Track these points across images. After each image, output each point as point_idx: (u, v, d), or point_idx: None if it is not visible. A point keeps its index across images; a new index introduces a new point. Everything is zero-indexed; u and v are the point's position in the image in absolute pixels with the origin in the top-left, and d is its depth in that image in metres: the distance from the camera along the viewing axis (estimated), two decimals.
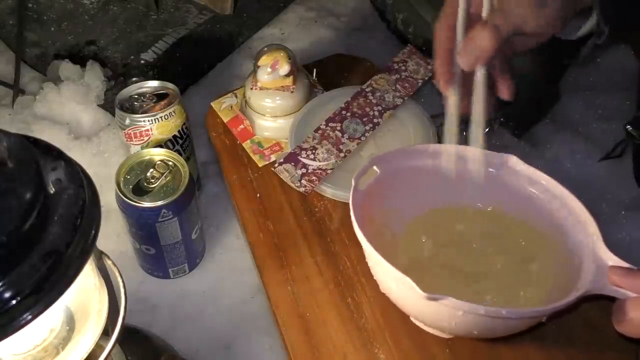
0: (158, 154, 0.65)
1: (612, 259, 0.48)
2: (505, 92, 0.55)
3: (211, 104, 0.78)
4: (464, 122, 0.55)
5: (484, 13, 0.51)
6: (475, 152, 0.58)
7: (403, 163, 0.58)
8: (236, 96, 0.78)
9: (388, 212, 0.57)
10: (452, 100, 0.54)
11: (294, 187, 0.67)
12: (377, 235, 0.50)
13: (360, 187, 0.55)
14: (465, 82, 0.54)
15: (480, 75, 0.52)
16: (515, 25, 0.50)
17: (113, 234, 0.74)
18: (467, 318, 0.46)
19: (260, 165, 0.71)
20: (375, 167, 0.56)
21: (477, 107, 0.53)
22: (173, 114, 0.67)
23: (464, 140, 0.56)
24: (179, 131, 0.69)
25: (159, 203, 0.62)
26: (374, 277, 0.54)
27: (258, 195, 0.68)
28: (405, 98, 0.73)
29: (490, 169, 0.58)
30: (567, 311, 0.48)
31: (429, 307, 0.47)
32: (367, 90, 0.74)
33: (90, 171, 0.39)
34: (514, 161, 0.57)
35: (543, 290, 0.53)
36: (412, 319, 0.56)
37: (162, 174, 0.63)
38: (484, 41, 0.49)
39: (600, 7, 0.50)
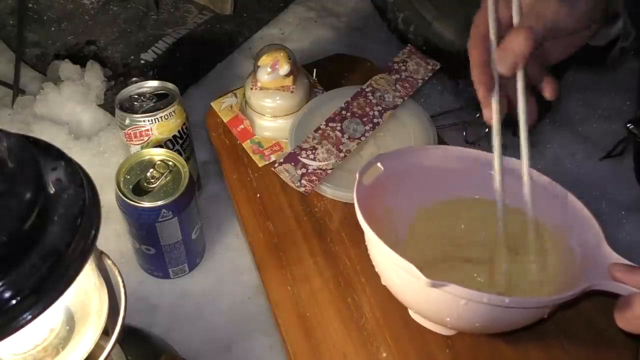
0: (158, 154, 0.65)
1: (614, 257, 0.49)
2: (549, 91, 0.54)
3: (211, 104, 0.78)
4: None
5: (515, 19, 0.51)
6: (477, 153, 0.58)
7: (406, 162, 0.58)
8: (236, 96, 0.78)
9: (390, 211, 0.57)
10: (494, 108, 0.54)
11: (294, 187, 0.67)
12: (379, 231, 0.50)
13: (364, 181, 0.55)
14: (502, 89, 0.54)
15: (520, 78, 0.52)
16: (548, 26, 0.50)
17: (113, 234, 0.74)
18: (470, 308, 0.46)
19: (260, 165, 0.71)
20: (379, 164, 0.57)
21: (521, 108, 0.53)
22: (173, 114, 0.67)
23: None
24: (179, 131, 0.69)
25: (159, 203, 0.62)
26: (376, 269, 0.54)
27: (258, 195, 0.68)
28: (405, 98, 0.73)
29: (491, 171, 0.58)
30: (568, 306, 0.48)
31: (431, 297, 0.47)
32: (367, 90, 0.74)
33: (90, 171, 0.39)
34: (515, 163, 0.57)
35: (547, 288, 0.53)
36: (412, 314, 0.56)
37: (162, 174, 0.63)
38: (519, 45, 0.49)
39: (627, 8, 0.50)
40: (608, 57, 0.55)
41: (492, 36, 0.52)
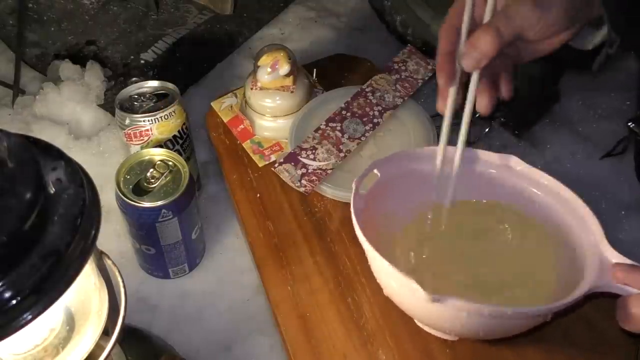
0: (158, 154, 0.65)
1: (615, 257, 0.49)
2: (505, 91, 0.55)
3: (211, 104, 0.78)
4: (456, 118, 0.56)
5: (487, 17, 0.51)
6: (476, 152, 0.58)
7: (404, 166, 0.58)
8: (236, 96, 0.78)
9: (388, 216, 0.57)
10: (450, 99, 0.54)
11: (294, 187, 0.67)
12: (378, 238, 0.50)
13: (361, 190, 0.55)
14: (462, 80, 0.54)
15: (474, 76, 0.52)
16: (517, 29, 0.50)
17: (113, 234, 0.74)
18: (472, 319, 0.46)
19: (260, 165, 0.71)
20: (375, 171, 0.56)
21: (468, 105, 0.54)
22: (173, 114, 0.67)
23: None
24: (179, 131, 0.69)
25: (159, 203, 0.62)
26: (378, 281, 0.53)
27: (258, 195, 0.68)
28: (405, 98, 0.73)
29: (491, 170, 0.58)
30: (571, 309, 0.48)
31: (434, 309, 0.47)
32: (367, 90, 0.74)
33: (90, 171, 0.39)
34: (515, 161, 0.57)
35: (547, 289, 0.53)
36: (417, 322, 0.56)
37: (162, 174, 0.63)
38: (485, 45, 0.49)
39: (609, 16, 0.50)
40: (594, 62, 0.55)
41: (464, 30, 0.52)
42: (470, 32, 0.51)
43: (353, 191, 0.53)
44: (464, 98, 0.54)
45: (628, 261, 0.48)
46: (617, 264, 0.48)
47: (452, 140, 0.56)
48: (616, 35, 0.50)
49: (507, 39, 0.49)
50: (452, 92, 0.54)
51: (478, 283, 0.55)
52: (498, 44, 0.49)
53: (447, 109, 0.54)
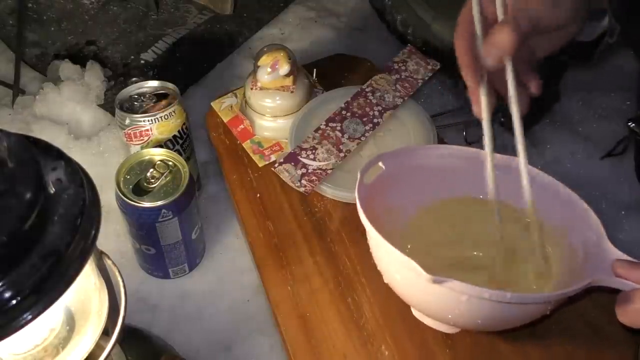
0: (158, 154, 0.65)
1: (615, 253, 0.49)
2: (534, 87, 0.55)
3: (211, 104, 0.78)
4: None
5: (499, 15, 0.51)
6: (478, 152, 0.58)
7: (408, 161, 0.58)
8: (236, 96, 0.78)
9: (390, 211, 0.57)
10: (483, 101, 0.54)
11: (294, 187, 0.67)
12: (380, 232, 0.50)
13: (365, 180, 0.55)
14: (490, 83, 0.54)
15: (509, 69, 0.52)
16: (531, 20, 0.50)
17: (113, 234, 0.74)
18: (471, 304, 0.47)
19: (260, 165, 0.71)
20: (380, 163, 0.57)
21: (512, 98, 0.53)
22: (173, 114, 0.67)
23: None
24: (179, 131, 0.69)
25: (159, 203, 0.62)
26: (378, 268, 0.54)
27: (258, 195, 0.68)
28: (405, 98, 0.73)
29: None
30: (569, 302, 0.48)
31: (433, 293, 0.48)
32: (367, 90, 0.74)
33: (90, 171, 0.39)
34: (517, 162, 0.57)
35: (547, 286, 0.53)
36: (414, 312, 0.56)
37: (162, 174, 0.63)
38: (504, 38, 0.50)
39: (611, 5, 0.50)
40: (595, 53, 0.55)
41: (478, 31, 0.52)
42: (485, 34, 0.51)
43: (357, 180, 0.54)
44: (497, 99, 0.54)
45: (629, 259, 0.48)
46: (619, 260, 0.48)
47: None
48: (616, 22, 0.51)
49: (524, 32, 0.50)
50: (483, 95, 0.54)
51: (479, 279, 0.55)
52: (517, 37, 0.49)
53: (483, 110, 0.54)
